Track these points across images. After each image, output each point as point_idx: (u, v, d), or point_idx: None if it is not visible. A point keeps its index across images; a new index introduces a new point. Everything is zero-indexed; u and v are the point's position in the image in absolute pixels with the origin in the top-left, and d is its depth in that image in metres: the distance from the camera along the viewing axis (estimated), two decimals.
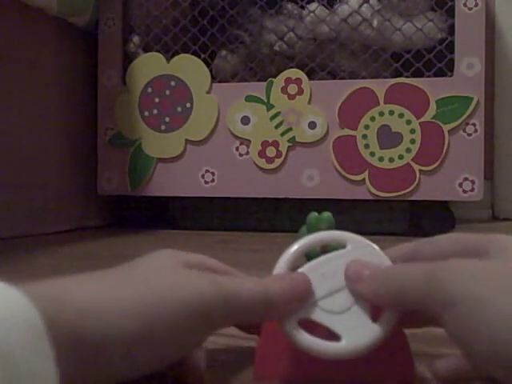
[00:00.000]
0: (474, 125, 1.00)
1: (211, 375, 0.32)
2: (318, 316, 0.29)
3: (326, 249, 0.34)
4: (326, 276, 0.30)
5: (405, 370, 0.31)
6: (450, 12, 1.02)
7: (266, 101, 1.07)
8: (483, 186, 1.00)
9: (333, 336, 0.29)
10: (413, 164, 1.01)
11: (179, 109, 1.10)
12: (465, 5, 1.00)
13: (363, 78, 1.05)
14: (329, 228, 0.62)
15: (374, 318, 0.29)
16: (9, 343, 0.17)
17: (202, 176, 1.10)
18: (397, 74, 1.04)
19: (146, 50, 1.13)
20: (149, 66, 1.12)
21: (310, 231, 0.62)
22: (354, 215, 1.10)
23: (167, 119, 1.11)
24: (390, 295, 0.28)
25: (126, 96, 1.13)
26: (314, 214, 0.65)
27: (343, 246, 0.31)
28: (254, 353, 0.32)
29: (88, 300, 0.22)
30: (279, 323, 0.29)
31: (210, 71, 1.10)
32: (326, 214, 0.64)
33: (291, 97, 1.06)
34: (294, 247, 0.32)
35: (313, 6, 1.08)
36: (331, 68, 1.08)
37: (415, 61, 1.03)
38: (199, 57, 1.10)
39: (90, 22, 1.13)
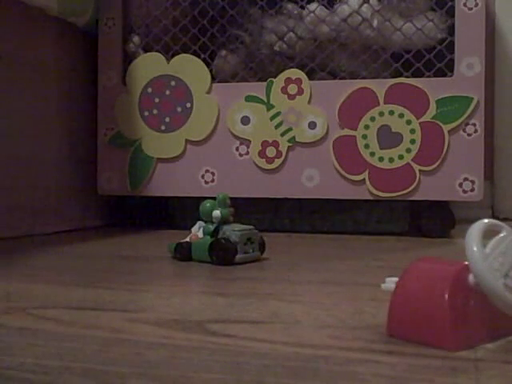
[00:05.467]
0: (474, 125, 1.00)
1: None
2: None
3: None
4: (505, 252, 0.35)
5: None
6: (450, 12, 1.02)
7: (266, 101, 1.07)
8: (483, 186, 1.00)
9: None
10: (413, 164, 1.01)
11: (179, 109, 1.10)
12: (465, 5, 1.00)
13: (363, 78, 1.05)
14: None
15: None
16: None
17: (202, 176, 1.10)
18: (397, 74, 1.04)
19: (146, 50, 1.13)
20: (149, 65, 1.12)
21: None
22: (353, 215, 1.10)
23: (167, 119, 1.11)
24: None
25: (125, 96, 1.13)
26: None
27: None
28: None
29: None
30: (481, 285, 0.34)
31: (210, 71, 1.10)
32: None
33: (291, 97, 1.06)
34: (476, 229, 0.36)
35: (313, 6, 1.08)
36: (331, 68, 1.08)
37: (415, 61, 1.03)
38: (199, 57, 1.10)
39: (90, 22, 1.13)
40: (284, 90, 1.06)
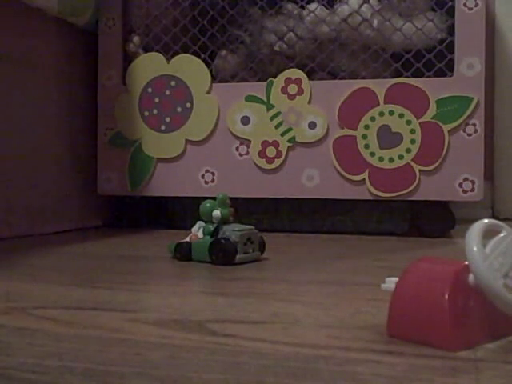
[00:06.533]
0: (474, 125, 1.00)
1: None
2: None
3: None
4: (505, 253, 0.35)
5: None
6: (450, 12, 1.02)
7: (266, 101, 1.07)
8: (483, 186, 1.00)
9: None
10: (413, 164, 1.01)
11: (179, 109, 1.10)
12: (465, 5, 1.00)
13: (363, 78, 1.05)
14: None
15: None
16: None
17: (202, 176, 1.10)
18: (397, 74, 1.04)
19: (146, 50, 1.13)
20: (149, 66, 1.12)
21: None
22: (353, 215, 1.10)
23: (167, 119, 1.11)
24: None
25: (126, 96, 1.13)
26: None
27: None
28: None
29: None
30: (480, 284, 0.34)
31: (210, 71, 1.10)
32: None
33: (291, 97, 1.06)
34: (476, 229, 0.36)
35: (313, 6, 1.08)
36: (331, 68, 1.08)
37: (415, 61, 1.03)
38: (199, 57, 1.10)
39: (90, 22, 1.13)
40: (284, 90, 1.06)
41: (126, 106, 1.13)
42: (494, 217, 1.41)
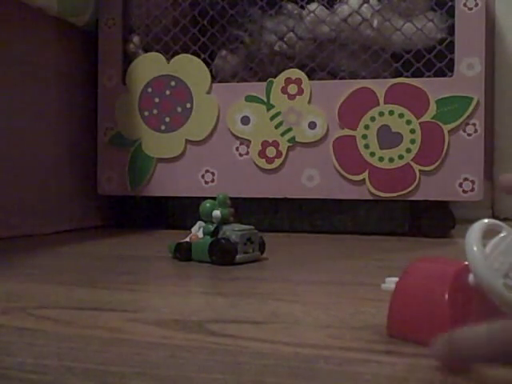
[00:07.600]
0: (474, 125, 1.00)
1: None
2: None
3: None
4: (505, 252, 0.35)
5: None
6: (450, 12, 1.02)
7: (265, 101, 1.07)
8: (483, 186, 1.00)
9: None
10: (413, 164, 1.01)
11: (179, 109, 1.10)
12: (465, 5, 1.00)
13: (363, 78, 1.05)
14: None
15: None
16: None
17: (202, 176, 1.10)
18: (397, 74, 1.04)
19: (146, 50, 1.13)
20: (149, 66, 1.12)
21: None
22: (354, 215, 1.10)
23: (167, 119, 1.11)
24: None
25: (126, 96, 1.13)
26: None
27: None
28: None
29: None
30: (481, 284, 0.34)
31: (210, 71, 1.10)
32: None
33: (291, 97, 1.06)
34: (476, 229, 0.35)
35: (313, 6, 1.08)
36: (331, 68, 1.08)
37: (415, 61, 1.03)
38: (199, 57, 1.10)
39: (90, 22, 1.13)
40: (284, 90, 1.06)
41: (126, 106, 1.13)
42: (494, 217, 1.41)
